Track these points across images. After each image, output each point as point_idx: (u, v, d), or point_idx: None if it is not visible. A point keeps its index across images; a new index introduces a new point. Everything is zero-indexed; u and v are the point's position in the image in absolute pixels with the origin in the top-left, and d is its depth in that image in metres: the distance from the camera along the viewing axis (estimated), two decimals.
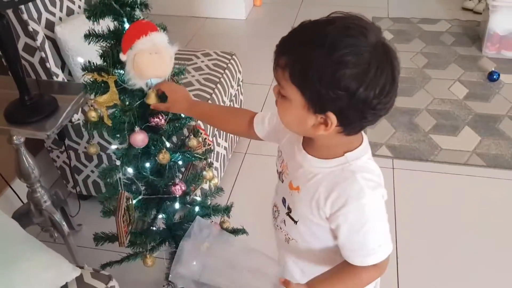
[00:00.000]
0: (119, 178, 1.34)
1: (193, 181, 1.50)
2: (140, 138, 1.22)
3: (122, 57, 1.12)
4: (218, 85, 2.08)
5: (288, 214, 1.04)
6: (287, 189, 1.02)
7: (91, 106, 1.23)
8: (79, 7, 1.96)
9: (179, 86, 1.26)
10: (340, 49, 0.78)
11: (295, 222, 1.03)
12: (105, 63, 1.18)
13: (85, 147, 1.96)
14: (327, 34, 0.79)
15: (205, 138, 1.72)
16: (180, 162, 1.39)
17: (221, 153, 2.13)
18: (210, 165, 1.53)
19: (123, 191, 1.33)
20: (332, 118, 0.84)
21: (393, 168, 2.41)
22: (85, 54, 1.87)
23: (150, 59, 1.13)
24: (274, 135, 1.12)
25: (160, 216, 1.52)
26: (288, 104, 0.87)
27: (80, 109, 1.80)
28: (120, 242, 1.35)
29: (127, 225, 1.38)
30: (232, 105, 2.26)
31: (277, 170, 1.10)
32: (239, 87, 2.36)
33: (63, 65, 1.86)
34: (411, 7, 4.13)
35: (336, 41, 0.78)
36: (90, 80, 1.19)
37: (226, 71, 2.19)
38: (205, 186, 1.67)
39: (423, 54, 3.39)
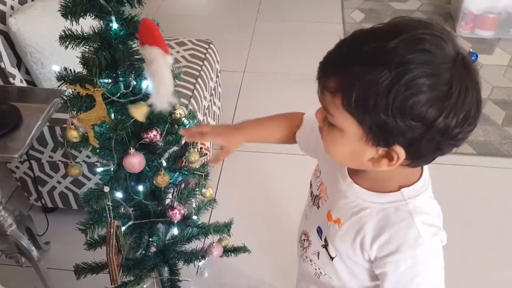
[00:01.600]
0: (107, 205, 1.12)
1: (187, 199, 1.30)
2: (136, 162, 1.01)
3: (170, 59, 0.90)
4: (199, 79, 1.86)
5: (325, 247, 0.88)
6: (325, 219, 0.86)
7: (71, 124, 1.01)
8: None
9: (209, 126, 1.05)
10: (413, 68, 0.60)
11: (332, 258, 0.87)
12: (89, 72, 0.95)
13: (50, 156, 1.70)
14: (392, 50, 0.61)
15: (201, 148, 1.51)
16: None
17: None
18: (206, 175, 1.32)
19: (112, 220, 1.12)
20: (400, 152, 0.67)
21: None
22: (47, 50, 1.64)
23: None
24: (313, 150, 0.95)
25: (150, 239, 1.32)
26: (339, 134, 0.70)
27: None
28: (112, 279, 1.14)
29: (118, 256, 1.17)
30: (211, 100, 2.04)
31: (311, 192, 0.93)
32: (217, 79, 2.14)
33: (19, 63, 1.58)
34: None
35: (405, 58, 0.60)
36: (71, 94, 0.96)
37: (205, 62, 1.97)
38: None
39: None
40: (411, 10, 3.61)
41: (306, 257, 0.95)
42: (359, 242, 0.79)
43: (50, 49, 1.58)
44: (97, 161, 1.67)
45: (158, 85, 0.92)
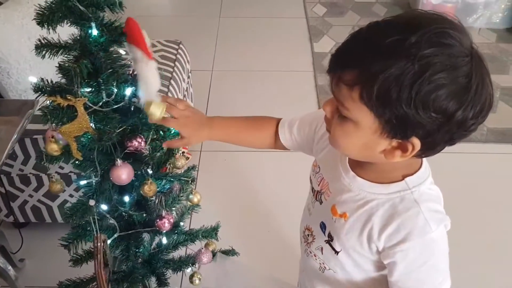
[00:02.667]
0: (92, 218, 1.08)
1: (171, 205, 1.26)
2: (125, 173, 0.97)
3: (153, 64, 0.86)
4: (172, 81, 1.82)
5: (328, 242, 0.88)
6: (328, 214, 0.85)
7: (51, 137, 0.96)
8: None
9: (190, 107, 0.97)
10: (435, 62, 0.61)
11: (336, 252, 0.87)
12: (69, 82, 0.90)
13: (20, 170, 1.63)
14: (415, 43, 0.61)
15: (183, 152, 1.48)
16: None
17: None
18: (192, 181, 1.29)
19: (99, 234, 1.07)
20: (416, 143, 0.68)
21: None
22: (13, 59, 1.55)
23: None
24: (306, 147, 0.95)
25: (137, 250, 1.28)
26: (352, 127, 0.70)
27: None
28: None
29: (105, 271, 1.13)
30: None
31: (312, 188, 0.93)
32: (189, 79, 2.10)
33: None
34: None
35: (428, 51, 0.61)
36: (50, 106, 0.91)
37: (177, 63, 1.92)
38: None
39: (359, 27, 3.29)
40: (371, 2, 3.67)
41: (310, 252, 0.95)
42: (367, 234, 0.79)
43: (16, 58, 1.51)
44: (70, 172, 1.63)
45: (143, 88, 0.89)
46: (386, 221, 0.77)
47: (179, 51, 2.00)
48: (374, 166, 0.78)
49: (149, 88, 0.88)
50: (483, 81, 0.65)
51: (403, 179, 0.77)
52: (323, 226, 0.89)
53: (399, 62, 0.61)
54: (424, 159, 0.80)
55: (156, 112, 0.88)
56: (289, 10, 3.58)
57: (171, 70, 1.86)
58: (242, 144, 1.06)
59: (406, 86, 0.61)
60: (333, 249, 0.87)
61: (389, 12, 3.52)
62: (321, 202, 0.89)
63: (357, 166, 0.81)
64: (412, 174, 0.77)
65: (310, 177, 0.95)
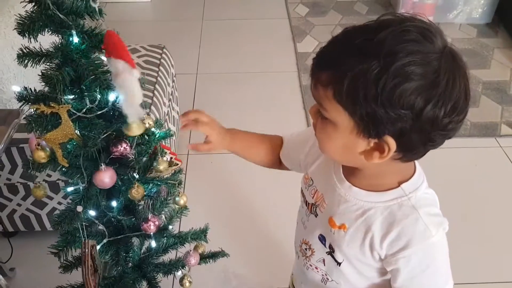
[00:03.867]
0: (80, 224, 1.08)
1: (159, 209, 1.27)
2: (107, 177, 0.98)
3: (137, 74, 0.86)
4: (157, 86, 1.83)
5: (330, 253, 0.88)
6: (326, 226, 0.86)
7: (38, 145, 0.96)
8: None
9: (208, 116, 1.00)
10: (401, 57, 0.62)
11: (339, 263, 0.87)
12: (52, 90, 0.91)
13: (8, 179, 1.62)
14: (382, 41, 0.63)
15: (172, 158, 1.49)
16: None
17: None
18: (179, 184, 1.30)
19: (87, 240, 1.08)
20: (391, 143, 0.68)
21: None
22: (0, 68, 1.55)
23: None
24: (298, 161, 0.96)
25: (127, 254, 1.28)
26: (332, 128, 0.72)
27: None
28: None
29: (95, 277, 1.14)
30: (170, 105, 2.01)
31: (305, 201, 0.93)
32: (174, 83, 2.11)
33: None
34: None
35: (394, 48, 0.62)
36: (34, 114, 0.92)
37: (161, 67, 1.93)
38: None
39: (342, 26, 3.32)
40: (352, 1, 3.70)
41: (311, 265, 0.94)
42: (368, 243, 0.80)
43: None
44: (58, 179, 1.63)
45: (126, 98, 0.89)
46: (386, 229, 0.77)
47: (163, 55, 2.00)
48: (365, 172, 0.79)
49: (135, 99, 0.89)
50: (454, 78, 0.65)
51: (399, 185, 0.78)
52: (322, 239, 0.89)
53: (366, 59, 0.63)
54: (417, 164, 0.81)
55: (138, 132, 0.93)
56: (272, 11, 3.60)
57: (156, 75, 1.87)
58: (253, 159, 1.07)
59: (372, 82, 0.63)
60: (335, 260, 0.88)
61: (370, 10, 3.55)
62: (316, 215, 0.89)
63: (351, 176, 0.82)
64: (407, 180, 0.78)
65: (301, 191, 0.95)
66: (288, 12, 3.56)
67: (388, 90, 0.63)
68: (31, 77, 1.65)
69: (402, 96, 0.63)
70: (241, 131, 1.04)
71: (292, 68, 2.94)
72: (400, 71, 0.62)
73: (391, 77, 0.62)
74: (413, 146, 0.70)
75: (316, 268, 0.93)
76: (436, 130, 0.67)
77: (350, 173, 0.81)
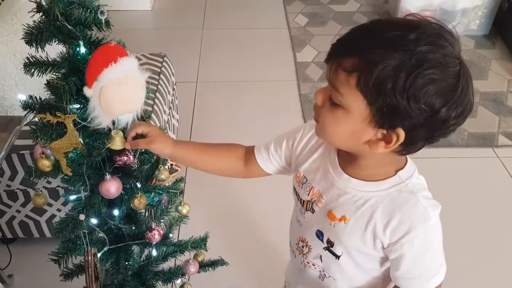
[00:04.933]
0: (83, 232, 1.09)
1: (160, 217, 1.28)
2: (113, 187, 0.99)
3: (87, 91, 0.87)
4: (157, 94, 1.84)
5: (327, 249, 0.90)
6: (326, 220, 0.87)
7: (42, 154, 0.97)
8: None
9: (156, 126, 1.02)
10: (430, 59, 0.66)
11: (337, 257, 0.89)
12: (58, 99, 0.92)
13: (7, 185, 1.63)
14: (415, 39, 0.66)
15: (172, 164, 1.49)
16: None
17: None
18: (181, 192, 1.30)
19: (90, 248, 1.09)
20: (401, 135, 0.71)
21: None
22: (2, 75, 1.55)
23: (120, 91, 0.90)
24: (285, 164, 0.97)
25: (127, 262, 1.29)
26: (343, 113, 0.73)
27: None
28: None
29: (96, 284, 1.14)
30: (170, 113, 2.02)
31: (299, 199, 0.94)
32: (174, 91, 2.12)
33: None
34: None
35: (425, 48, 0.66)
36: (40, 123, 0.93)
37: (161, 75, 1.95)
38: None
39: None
40: (351, 11, 3.73)
41: (308, 263, 0.96)
42: (371, 232, 0.82)
43: (1, 74, 1.53)
44: (58, 186, 1.64)
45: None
46: (388, 216, 0.80)
47: (164, 64, 2.02)
48: (362, 163, 0.81)
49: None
50: (468, 85, 0.70)
51: (395, 173, 0.81)
52: (319, 234, 0.90)
53: (398, 54, 0.66)
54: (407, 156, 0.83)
55: (120, 145, 0.96)
56: (271, 20, 3.62)
57: (156, 83, 1.88)
58: (207, 167, 1.07)
59: (402, 77, 0.66)
60: (334, 254, 0.90)
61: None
62: (313, 211, 0.91)
63: (348, 167, 0.84)
64: (402, 168, 0.82)
65: (294, 190, 0.97)
66: (288, 22, 3.59)
67: (416, 87, 0.66)
68: (33, 84, 1.67)
69: (426, 93, 0.67)
70: (190, 141, 1.06)
71: (291, 77, 2.96)
72: (428, 71, 0.66)
73: (421, 75, 0.66)
74: (416, 140, 0.73)
75: (314, 265, 0.95)
76: (443, 129, 0.72)
77: (347, 165, 0.84)
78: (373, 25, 0.71)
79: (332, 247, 0.89)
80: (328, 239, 0.89)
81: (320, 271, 0.95)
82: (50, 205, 1.69)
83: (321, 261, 0.93)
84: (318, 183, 0.89)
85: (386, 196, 0.81)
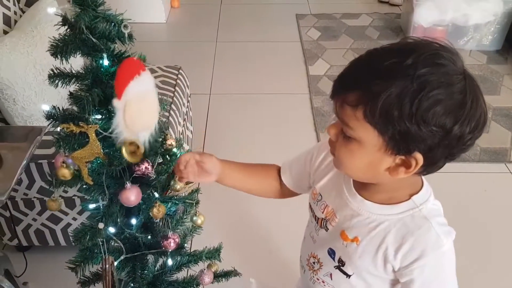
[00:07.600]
0: (101, 241, 1.11)
1: (175, 227, 1.29)
2: (133, 195, 1.01)
3: (117, 103, 0.89)
4: (173, 106, 1.87)
5: (338, 267, 0.90)
6: (338, 240, 0.88)
7: (63, 163, 0.99)
8: (15, 13, 1.63)
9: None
10: (431, 80, 0.66)
11: (348, 276, 0.90)
12: (81, 110, 0.94)
13: (25, 194, 1.66)
14: (412, 64, 0.67)
15: None
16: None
17: None
18: (197, 203, 1.32)
19: (108, 256, 1.10)
20: (419, 158, 0.72)
21: None
22: (19, 86, 1.59)
23: (143, 106, 0.92)
24: (306, 181, 0.98)
25: (143, 271, 1.30)
26: (357, 146, 0.74)
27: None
28: None
29: None
30: (184, 124, 2.05)
31: (314, 216, 0.95)
32: (188, 103, 2.15)
33: None
34: (331, 2, 4.15)
35: (424, 71, 0.66)
36: (63, 132, 0.95)
37: (177, 88, 1.98)
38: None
39: (353, 50, 3.39)
40: (363, 26, 3.75)
41: (318, 279, 0.96)
42: (382, 255, 0.82)
43: (21, 85, 1.55)
44: (74, 195, 1.66)
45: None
46: (400, 240, 0.80)
47: (179, 76, 2.05)
48: (379, 187, 0.82)
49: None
50: (477, 98, 0.70)
51: (410, 198, 0.81)
52: (331, 252, 0.91)
53: (399, 81, 0.66)
54: (423, 178, 0.84)
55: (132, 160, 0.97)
56: (284, 34, 3.66)
57: (172, 95, 1.91)
58: (250, 189, 1.09)
59: (406, 103, 0.66)
60: (345, 273, 0.89)
61: (382, 35, 3.60)
62: (327, 229, 0.91)
63: (363, 189, 0.84)
64: (417, 193, 0.81)
65: (310, 206, 0.97)
66: (301, 36, 3.62)
67: (423, 110, 0.67)
68: (52, 95, 1.70)
69: (435, 115, 0.67)
70: (233, 162, 1.03)
71: (304, 90, 2.98)
72: (432, 92, 0.66)
73: (425, 98, 0.66)
74: (437, 160, 0.74)
75: (323, 282, 0.95)
76: (460, 145, 0.72)
77: (361, 187, 0.84)
78: (370, 56, 0.72)
79: (343, 266, 0.89)
80: (339, 258, 0.89)
81: None
82: (65, 213, 1.72)
83: (331, 279, 0.93)
84: (333, 202, 0.90)
85: (399, 220, 0.81)
